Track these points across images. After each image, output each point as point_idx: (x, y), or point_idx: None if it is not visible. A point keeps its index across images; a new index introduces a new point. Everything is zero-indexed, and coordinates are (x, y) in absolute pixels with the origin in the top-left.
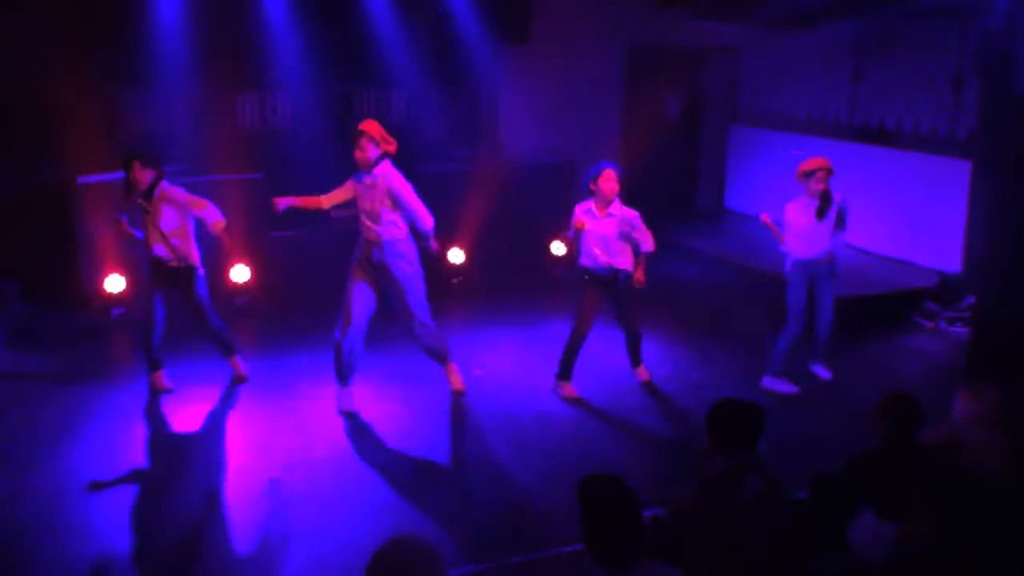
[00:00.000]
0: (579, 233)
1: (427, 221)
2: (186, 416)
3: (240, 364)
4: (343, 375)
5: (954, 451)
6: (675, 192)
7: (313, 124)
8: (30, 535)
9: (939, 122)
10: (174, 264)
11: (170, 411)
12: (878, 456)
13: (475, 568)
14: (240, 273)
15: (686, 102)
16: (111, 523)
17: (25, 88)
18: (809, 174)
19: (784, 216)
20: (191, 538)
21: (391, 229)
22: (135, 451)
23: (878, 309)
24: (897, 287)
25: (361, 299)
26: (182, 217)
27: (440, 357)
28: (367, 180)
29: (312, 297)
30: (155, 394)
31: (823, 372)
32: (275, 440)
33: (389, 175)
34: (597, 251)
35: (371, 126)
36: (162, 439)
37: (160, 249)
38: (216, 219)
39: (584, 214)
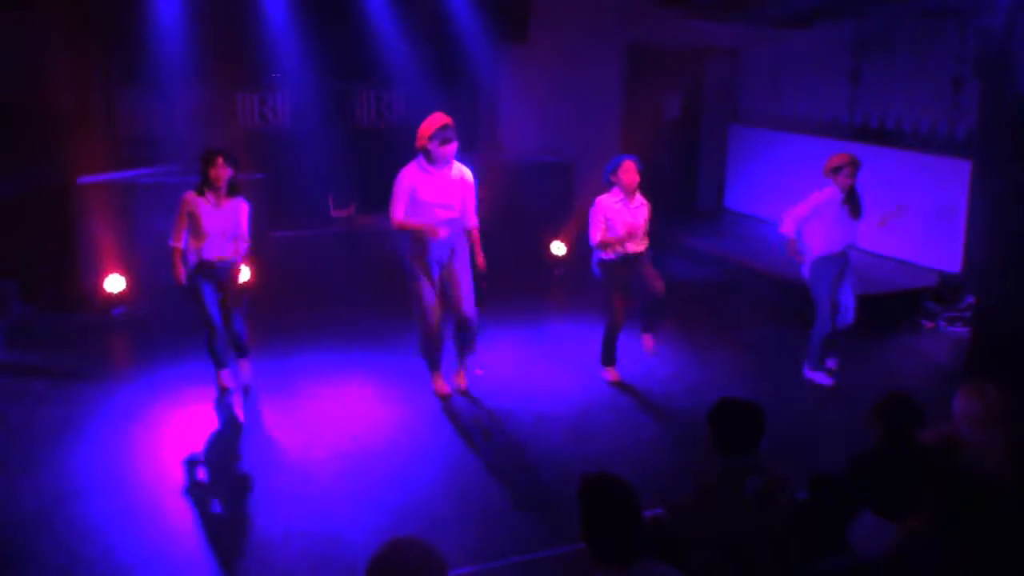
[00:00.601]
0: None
1: (391, 217)
2: (186, 416)
3: (236, 375)
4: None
5: (954, 451)
6: (675, 192)
7: (313, 124)
8: (30, 535)
9: (939, 122)
10: (224, 262)
11: (170, 411)
12: (878, 456)
13: (475, 568)
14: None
15: (686, 102)
16: (111, 523)
17: (25, 88)
18: (837, 169)
19: (807, 204)
20: (191, 538)
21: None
22: (135, 451)
23: (878, 309)
24: (897, 287)
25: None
26: (235, 224)
27: (427, 360)
28: None
29: (312, 297)
30: (158, 394)
31: (830, 363)
32: (275, 440)
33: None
34: (625, 239)
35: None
36: (162, 439)
37: (214, 250)
38: (243, 256)
39: (617, 203)
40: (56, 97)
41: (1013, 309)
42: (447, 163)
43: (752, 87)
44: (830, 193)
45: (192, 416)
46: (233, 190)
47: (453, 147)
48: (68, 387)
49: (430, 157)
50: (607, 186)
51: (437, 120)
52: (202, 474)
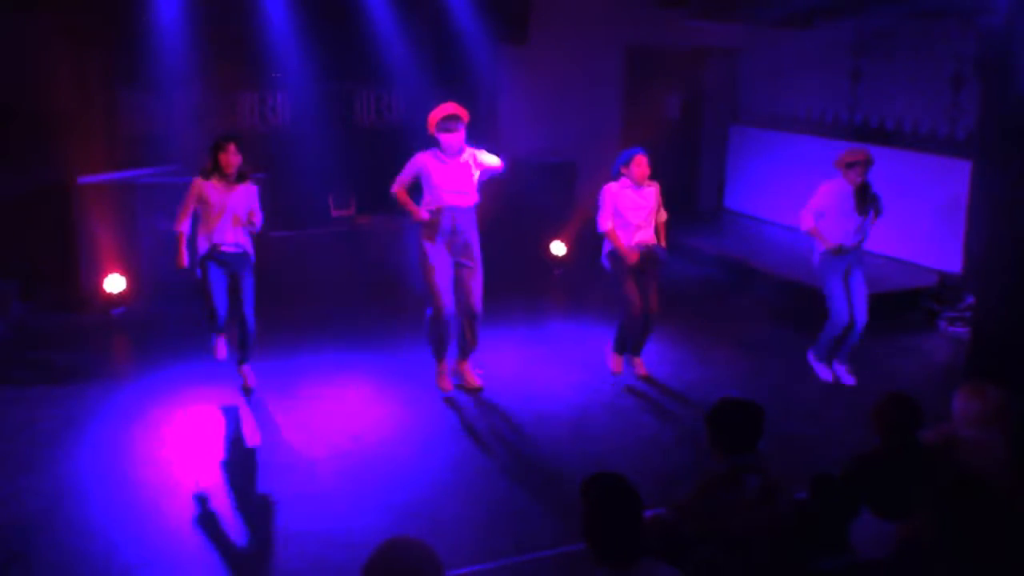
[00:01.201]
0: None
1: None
2: (186, 416)
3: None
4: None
5: (954, 451)
6: (675, 192)
7: (313, 124)
8: (30, 535)
9: (939, 122)
10: (236, 251)
11: (170, 411)
12: (878, 456)
13: (475, 568)
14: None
15: (686, 102)
16: (111, 523)
17: (25, 88)
18: (851, 164)
19: (819, 196)
20: (191, 538)
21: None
22: (135, 451)
23: (878, 309)
24: (897, 287)
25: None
26: (245, 206)
27: (434, 347)
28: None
29: (312, 297)
30: (158, 394)
31: (846, 378)
32: (275, 440)
33: None
34: (634, 227)
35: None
36: (162, 439)
37: (225, 235)
38: (259, 228)
39: (623, 190)
40: (56, 97)
41: (1013, 309)
42: (455, 152)
43: (752, 87)
44: (839, 185)
45: (192, 416)
46: (242, 178)
47: (455, 137)
48: (68, 387)
49: (439, 145)
50: (616, 178)
51: (445, 109)
52: (202, 474)
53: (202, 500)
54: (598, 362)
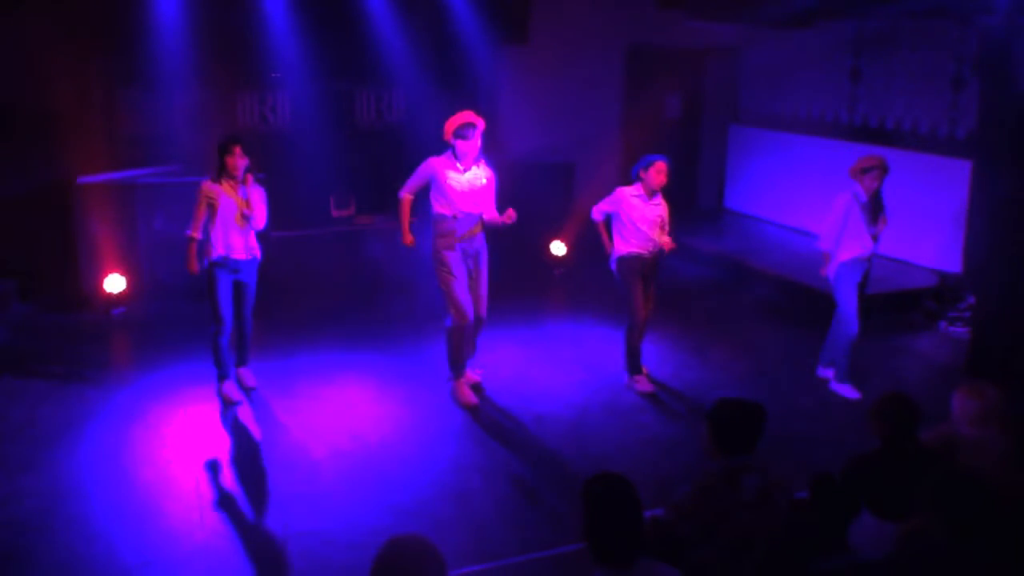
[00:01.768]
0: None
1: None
2: (186, 416)
3: (238, 386)
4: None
5: (953, 451)
6: (675, 192)
7: (313, 124)
8: (30, 535)
9: (939, 122)
10: (247, 258)
11: (170, 411)
12: (878, 456)
13: (475, 568)
14: None
15: (686, 102)
16: (111, 523)
17: (25, 88)
18: (866, 171)
19: (839, 211)
20: (191, 538)
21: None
22: (135, 451)
23: (878, 309)
24: (897, 287)
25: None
26: (257, 211)
27: (454, 362)
28: None
29: (312, 297)
30: (158, 394)
31: (849, 392)
32: (275, 440)
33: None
34: (645, 234)
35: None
36: (162, 439)
37: (238, 240)
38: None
39: (635, 197)
40: (56, 97)
41: (1013, 309)
42: (469, 160)
43: (752, 87)
44: (850, 197)
45: (192, 416)
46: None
47: (471, 144)
48: (68, 387)
49: (454, 151)
50: (633, 180)
51: (462, 117)
52: (202, 474)
53: (202, 500)
54: (598, 362)
